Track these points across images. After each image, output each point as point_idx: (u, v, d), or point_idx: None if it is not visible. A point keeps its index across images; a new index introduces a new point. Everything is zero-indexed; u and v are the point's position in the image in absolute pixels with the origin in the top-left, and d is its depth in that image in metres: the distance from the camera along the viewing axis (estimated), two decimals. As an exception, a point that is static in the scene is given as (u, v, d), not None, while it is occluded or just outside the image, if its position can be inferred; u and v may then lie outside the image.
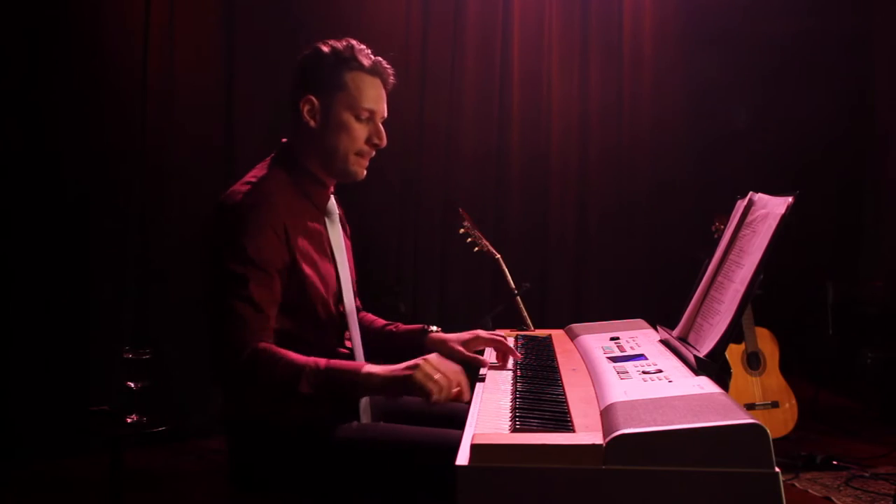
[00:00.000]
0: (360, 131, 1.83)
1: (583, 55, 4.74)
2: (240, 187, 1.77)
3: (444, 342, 2.01)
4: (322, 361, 1.65)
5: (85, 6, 3.72)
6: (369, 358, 1.91)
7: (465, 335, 2.03)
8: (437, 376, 1.62)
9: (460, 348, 1.98)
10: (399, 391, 1.66)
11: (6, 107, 3.58)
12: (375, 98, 1.84)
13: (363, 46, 1.85)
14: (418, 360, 1.64)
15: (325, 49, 1.82)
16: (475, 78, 4.51)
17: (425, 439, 1.71)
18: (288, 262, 1.75)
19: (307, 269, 1.79)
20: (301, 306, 1.78)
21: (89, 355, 3.69)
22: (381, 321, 2.14)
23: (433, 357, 1.67)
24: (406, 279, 4.40)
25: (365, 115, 1.83)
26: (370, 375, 1.64)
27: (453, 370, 1.66)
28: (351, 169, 1.86)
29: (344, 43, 1.83)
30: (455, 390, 1.64)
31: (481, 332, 2.04)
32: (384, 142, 1.86)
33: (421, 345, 2.03)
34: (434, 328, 2.07)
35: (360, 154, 1.85)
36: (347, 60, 1.81)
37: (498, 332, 2.30)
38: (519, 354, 1.98)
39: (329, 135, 1.82)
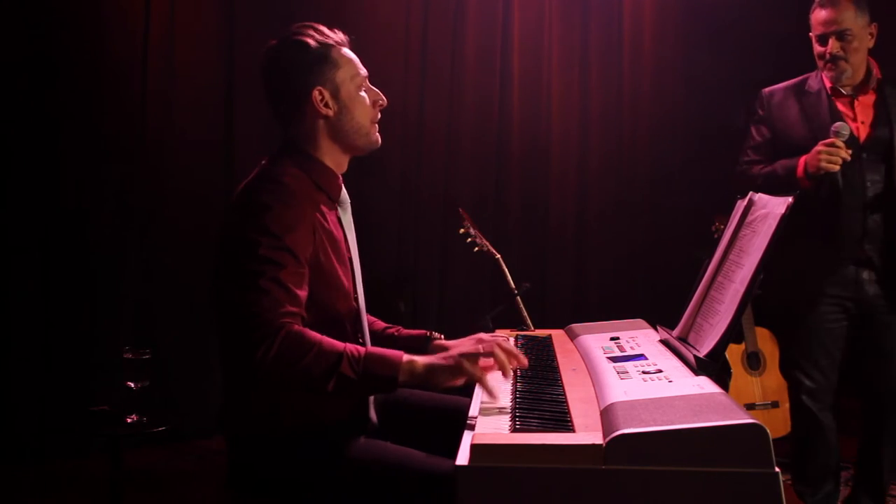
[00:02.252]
0: (367, 99, 1.89)
1: (583, 54, 4.74)
2: (259, 183, 1.76)
3: (447, 350, 1.99)
4: (361, 348, 1.64)
5: (85, 6, 3.73)
6: None
7: (468, 341, 2.00)
8: (482, 350, 1.66)
9: None
10: (445, 379, 1.63)
11: (6, 106, 3.59)
12: (359, 64, 1.89)
13: (320, 25, 1.89)
14: (461, 347, 1.70)
15: (305, 39, 1.84)
16: (475, 78, 4.51)
17: (428, 466, 1.67)
18: (313, 257, 1.74)
19: (328, 262, 1.78)
20: (321, 300, 1.75)
21: (89, 355, 3.69)
22: (382, 323, 2.12)
23: (473, 341, 1.76)
24: (406, 279, 4.40)
25: (362, 82, 1.88)
26: (412, 363, 1.62)
27: (497, 341, 1.72)
28: (373, 138, 1.91)
29: (308, 28, 1.87)
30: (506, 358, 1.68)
31: (484, 337, 2.02)
32: (385, 99, 1.92)
33: (424, 352, 1.99)
34: (437, 335, 2.05)
35: (373, 121, 1.91)
36: (326, 42, 1.85)
37: (498, 332, 2.30)
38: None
39: (348, 115, 1.85)
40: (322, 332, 1.68)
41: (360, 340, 1.89)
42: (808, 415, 2.85)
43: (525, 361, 1.71)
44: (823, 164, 2.57)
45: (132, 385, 2.69)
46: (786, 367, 2.96)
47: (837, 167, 2.58)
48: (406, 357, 1.63)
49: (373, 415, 1.86)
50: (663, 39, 4.81)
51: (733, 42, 4.66)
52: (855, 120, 2.72)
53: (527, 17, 4.61)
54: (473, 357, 1.64)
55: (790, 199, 1.69)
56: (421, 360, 1.64)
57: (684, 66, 4.79)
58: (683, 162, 4.76)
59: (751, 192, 1.94)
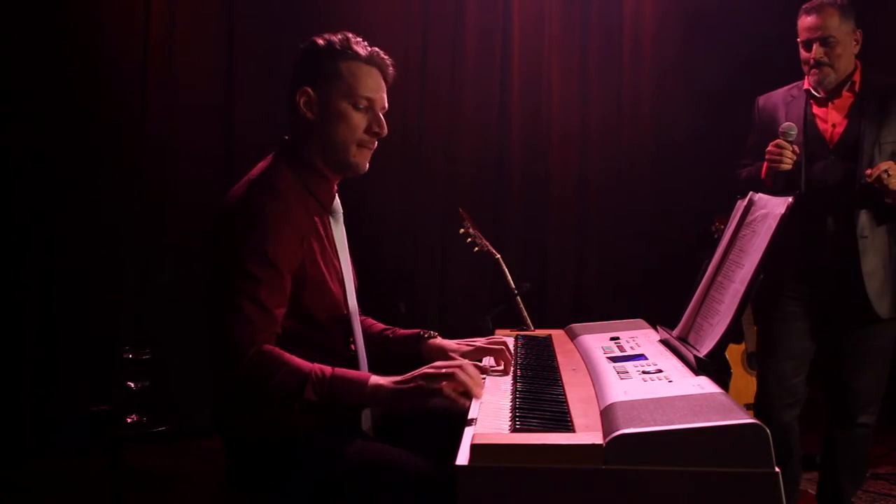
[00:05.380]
0: (359, 121, 1.81)
1: (583, 56, 4.74)
2: (251, 187, 1.75)
3: (443, 350, 1.98)
4: (328, 369, 1.62)
5: (85, 6, 3.73)
6: (370, 363, 1.90)
7: (465, 348, 1.98)
8: (443, 371, 1.59)
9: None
10: (406, 402, 1.62)
11: (7, 106, 3.58)
12: (373, 87, 1.82)
13: (360, 38, 1.84)
14: (422, 368, 1.63)
15: (320, 41, 1.82)
16: (475, 78, 4.51)
17: (425, 467, 1.67)
18: (299, 263, 1.73)
19: (316, 270, 1.77)
20: (309, 308, 1.76)
21: (89, 355, 3.69)
22: (380, 325, 2.11)
23: (436, 363, 1.66)
24: (406, 279, 4.40)
25: (363, 103, 1.80)
26: (377, 388, 1.61)
27: (459, 364, 1.64)
28: (352, 160, 1.83)
29: (340, 35, 1.82)
30: (466, 379, 1.59)
31: (481, 342, 1.99)
32: (385, 130, 1.84)
33: (417, 352, 2.00)
34: (431, 334, 2.04)
35: (361, 144, 1.83)
36: (342, 50, 1.80)
37: (498, 332, 2.29)
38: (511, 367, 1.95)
39: (327, 126, 1.80)
40: (310, 339, 1.71)
41: (352, 346, 1.89)
42: (769, 414, 2.76)
43: (479, 393, 1.62)
44: (771, 164, 2.64)
45: (132, 385, 2.69)
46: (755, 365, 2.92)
47: (787, 166, 2.63)
48: (373, 380, 1.61)
49: (364, 422, 1.85)
50: (663, 42, 4.81)
51: (733, 44, 4.66)
52: (826, 122, 2.73)
53: (526, 17, 4.61)
54: (432, 378, 1.59)
55: (790, 199, 1.69)
56: (387, 383, 1.61)
57: (684, 68, 4.79)
58: (683, 163, 4.76)
59: (751, 193, 1.94)
